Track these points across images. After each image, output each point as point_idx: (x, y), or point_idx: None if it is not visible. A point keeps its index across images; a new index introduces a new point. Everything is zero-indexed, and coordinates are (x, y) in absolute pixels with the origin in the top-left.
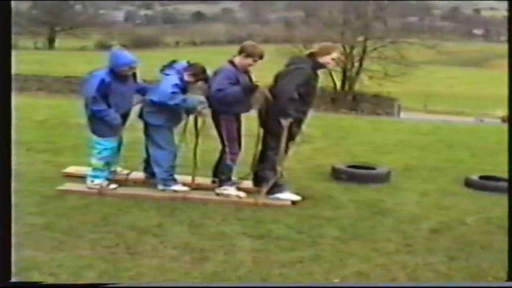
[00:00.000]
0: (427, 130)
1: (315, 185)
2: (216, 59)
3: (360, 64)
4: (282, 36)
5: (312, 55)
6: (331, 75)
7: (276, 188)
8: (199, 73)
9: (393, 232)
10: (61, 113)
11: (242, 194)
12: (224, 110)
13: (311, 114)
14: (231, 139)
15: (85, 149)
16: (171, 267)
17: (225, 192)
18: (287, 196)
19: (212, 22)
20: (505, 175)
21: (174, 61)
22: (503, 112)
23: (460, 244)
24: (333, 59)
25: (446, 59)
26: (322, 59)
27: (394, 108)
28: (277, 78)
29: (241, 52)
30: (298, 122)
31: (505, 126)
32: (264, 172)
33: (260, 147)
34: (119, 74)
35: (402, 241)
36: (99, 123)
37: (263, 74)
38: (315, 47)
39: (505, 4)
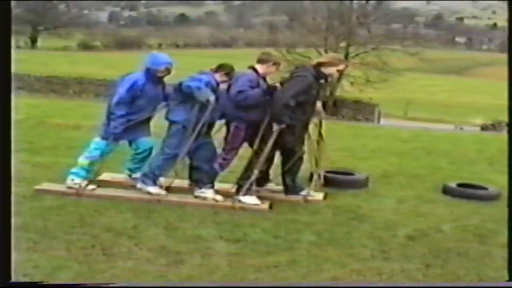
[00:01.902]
0: (407, 137)
1: None
2: (199, 62)
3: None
4: (266, 40)
5: (318, 65)
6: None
7: (248, 191)
8: (230, 71)
9: (369, 238)
10: (41, 113)
11: (219, 197)
12: (239, 116)
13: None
14: (231, 148)
15: (63, 150)
16: (146, 270)
17: (203, 195)
18: (247, 199)
19: (195, 25)
20: (483, 183)
21: (200, 71)
22: (483, 120)
23: (436, 251)
24: (338, 71)
25: (428, 66)
26: (327, 70)
27: (375, 114)
28: (282, 85)
29: (264, 61)
30: (292, 131)
31: (484, 134)
32: (244, 175)
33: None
34: (154, 75)
35: (378, 247)
36: (106, 124)
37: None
38: (323, 57)
39: (488, 13)
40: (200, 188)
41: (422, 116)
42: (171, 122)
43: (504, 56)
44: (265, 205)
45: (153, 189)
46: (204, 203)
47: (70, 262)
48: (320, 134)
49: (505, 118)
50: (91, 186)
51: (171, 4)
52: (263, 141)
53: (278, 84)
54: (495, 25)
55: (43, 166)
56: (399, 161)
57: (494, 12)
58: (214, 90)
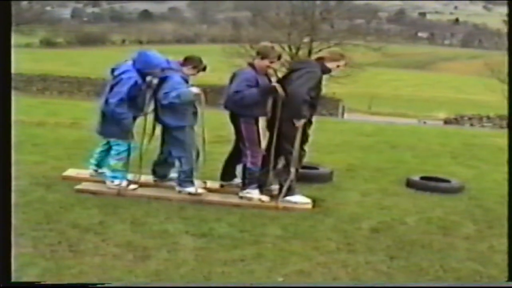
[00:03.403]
0: (371, 131)
1: None
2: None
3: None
4: (229, 36)
5: (320, 60)
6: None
7: (289, 192)
8: (198, 64)
9: (334, 231)
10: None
11: (265, 197)
12: (243, 113)
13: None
14: (251, 142)
15: (28, 147)
16: (114, 265)
17: (248, 195)
18: (297, 199)
19: (159, 21)
20: (446, 176)
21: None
22: (446, 114)
23: (401, 243)
24: (338, 66)
25: (391, 61)
26: (329, 65)
27: (339, 109)
28: (284, 80)
29: (257, 54)
30: (310, 124)
31: (447, 128)
32: (281, 176)
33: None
34: (147, 75)
35: (343, 240)
36: (115, 125)
37: (209, 74)
38: (324, 52)
39: (450, 8)
40: (245, 188)
41: (386, 111)
42: (177, 128)
43: (466, 51)
44: (309, 205)
45: (193, 190)
46: (247, 203)
47: (37, 258)
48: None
49: (467, 112)
50: (132, 186)
51: (134, 0)
52: (283, 137)
53: (276, 84)
54: (457, 20)
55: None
56: (363, 155)
57: (456, 7)
58: (187, 81)
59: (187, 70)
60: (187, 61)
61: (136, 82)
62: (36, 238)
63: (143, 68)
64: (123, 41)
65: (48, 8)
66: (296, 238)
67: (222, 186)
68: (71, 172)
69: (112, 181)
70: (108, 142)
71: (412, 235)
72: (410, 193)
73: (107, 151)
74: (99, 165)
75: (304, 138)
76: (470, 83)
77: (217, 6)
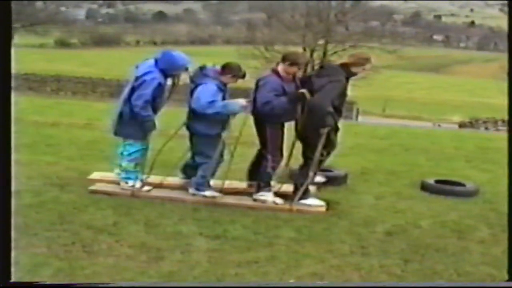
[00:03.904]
0: (385, 134)
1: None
2: None
3: (318, 68)
4: (244, 38)
5: (345, 65)
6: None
7: (304, 195)
8: (237, 72)
9: (348, 234)
10: (19, 110)
11: (279, 200)
12: (272, 120)
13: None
14: (274, 147)
15: (42, 147)
16: (127, 266)
17: (262, 198)
18: (312, 202)
19: (173, 22)
20: (460, 179)
21: (202, 68)
22: (460, 117)
23: (415, 246)
24: (364, 69)
25: (406, 64)
26: (355, 69)
27: (353, 111)
28: (306, 84)
29: (284, 60)
30: (335, 130)
31: (462, 132)
32: (298, 179)
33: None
34: (170, 75)
35: (357, 243)
36: (134, 126)
37: None
38: (349, 57)
39: (466, 11)
40: (259, 191)
41: (400, 114)
42: (208, 136)
43: (481, 54)
44: (323, 208)
45: (208, 193)
46: (261, 206)
47: (51, 259)
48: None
49: (482, 115)
50: (146, 187)
51: (149, 1)
52: (306, 144)
53: (305, 90)
54: (472, 23)
55: (22, 164)
56: (377, 158)
57: (471, 10)
58: (224, 93)
59: (225, 78)
60: (226, 69)
61: (159, 84)
62: (50, 239)
63: (167, 68)
64: (138, 42)
65: (63, 8)
66: (310, 241)
67: (250, 186)
68: (96, 175)
69: (126, 182)
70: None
71: (426, 238)
72: (424, 197)
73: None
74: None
75: (328, 144)
76: (485, 86)
77: (231, 8)
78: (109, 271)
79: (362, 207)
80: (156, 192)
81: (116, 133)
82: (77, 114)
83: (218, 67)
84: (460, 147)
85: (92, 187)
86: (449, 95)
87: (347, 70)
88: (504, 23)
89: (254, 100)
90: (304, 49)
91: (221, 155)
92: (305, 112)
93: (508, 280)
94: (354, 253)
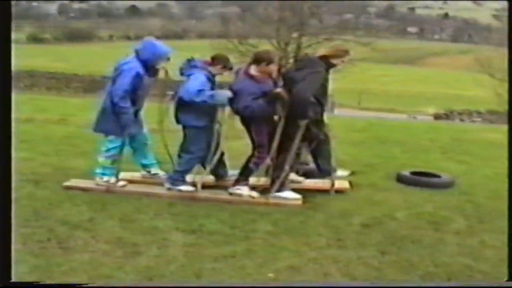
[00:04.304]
0: (360, 127)
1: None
2: None
3: (295, 61)
4: (218, 32)
5: (324, 57)
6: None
7: (282, 188)
8: (226, 63)
9: (325, 227)
10: None
11: (254, 194)
12: (254, 117)
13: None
14: (261, 144)
15: (16, 143)
16: (103, 262)
17: (238, 191)
18: (287, 194)
19: (147, 17)
20: (436, 171)
21: (190, 60)
22: (436, 109)
23: (391, 238)
24: (343, 61)
25: (380, 56)
26: (334, 61)
27: (328, 104)
28: (289, 79)
29: (260, 61)
30: (316, 123)
31: (437, 123)
32: (275, 172)
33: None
34: (152, 66)
35: (334, 236)
36: (113, 121)
37: None
38: (328, 49)
39: (439, 3)
40: (235, 185)
41: (376, 106)
42: (194, 128)
43: (455, 46)
44: (299, 201)
45: (184, 187)
46: (237, 200)
47: (27, 256)
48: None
49: (457, 107)
50: (121, 183)
51: None
52: (286, 136)
53: (280, 89)
54: (446, 15)
55: None
56: (353, 150)
57: (445, 2)
58: (213, 83)
59: (215, 69)
60: (215, 60)
61: (138, 73)
62: (25, 235)
63: (149, 58)
64: (111, 36)
65: (35, 3)
66: (287, 234)
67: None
68: (125, 175)
69: (101, 178)
70: (125, 147)
71: (402, 230)
72: (400, 188)
73: (139, 152)
74: (147, 165)
75: (307, 137)
76: (460, 78)
77: (205, 2)
78: (85, 267)
79: (338, 200)
80: (131, 187)
81: (95, 129)
82: (51, 109)
83: (206, 59)
84: (436, 139)
85: (67, 183)
86: (424, 87)
87: (326, 62)
88: (477, 15)
89: (233, 103)
90: (278, 43)
91: (214, 149)
92: (287, 105)
93: (508, 280)
94: (331, 246)
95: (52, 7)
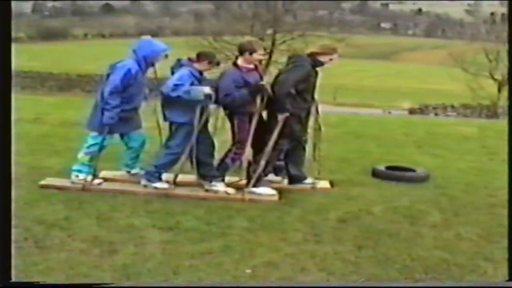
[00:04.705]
0: (336, 122)
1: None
2: (126, 52)
3: (270, 57)
4: (192, 29)
5: (312, 55)
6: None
7: (258, 183)
8: (212, 58)
9: (301, 222)
10: None
11: (230, 190)
12: (238, 111)
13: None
14: (240, 141)
15: None
16: (80, 261)
17: (214, 188)
18: (263, 190)
19: (121, 14)
20: (411, 165)
21: (179, 59)
22: (410, 104)
23: (368, 233)
24: (331, 59)
25: (354, 52)
26: (322, 59)
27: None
28: (278, 76)
29: (243, 51)
30: (298, 119)
31: (412, 118)
32: (251, 168)
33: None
34: (149, 62)
35: (310, 231)
36: (98, 117)
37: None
38: (316, 47)
39: None
40: (211, 181)
41: (351, 101)
42: (177, 124)
43: (429, 41)
44: (275, 197)
45: (159, 185)
46: (213, 196)
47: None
48: (318, 124)
49: (431, 101)
50: (97, 181)
51: None
52: (268, 132)
53: (264, 82)
54: (420, 10)
55: None
56: (329, 145)
57: None
58: (199, 80)
59: (201, 65)
60: (201, 56)
61: (129, 70)
62: None
63: (148, 54)
64: (85, 35)
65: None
66: (263, 230)
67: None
68: (106, 174)
69: (77, 176)
70: (129, 141)
71: (379, 224)
72: (376, 183)
73: (129, 149)
74: (129, 165)
75: (287, 133)
76: (434, 72)
77: None
78: (62, 267)
79: (314, 195)
80: (107, 185)
81: (86, 127)
82: (26, 108)
83: (192, 57)
84: (410, 133)
85: (43, 182)
86: (399, 82)
87: (314, 59)
88: (450, 10)
89: (217, 92)
90: None
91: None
92: (268, 100)
93: (508, 280)
94: (308, 241)
95: (26, 6)
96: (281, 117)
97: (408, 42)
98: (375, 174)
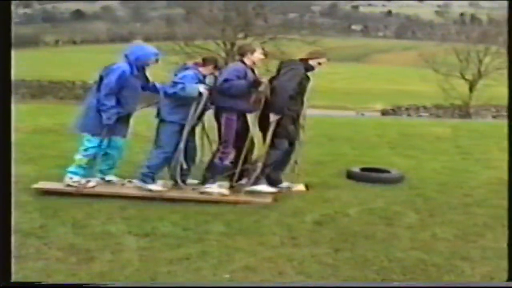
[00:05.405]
0: (309, 125)
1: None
2: (97, 58)
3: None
4: (163, 34)
5: (303, 60)
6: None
7: (257, 181)
8: (217, 63)
9: (278, 226)
10: None
11: (225, 191)
12: (228, 106)
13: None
14: (227, 139)
15: None
16: (57, 269)
17: (208, 190)
18: (262, 188)
19: (92, 21)
20: (385, 166)
21: (184, 64)
22: (383, 105)
23: (344, 235)
24: (319, 63)
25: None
26: (312, 62)
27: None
28: (272, 81)
29: (244, 53)
30: (292, 120)
31: (385, 119)
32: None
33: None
34: (141, 66)
35: (287, 234)
36: (94, 119)
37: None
38: (305, 52)
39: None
40: (204, 184)
41: (323, 104)
42: (168, 122)
43: (400, 42)
44: (269, 199)
45: (154, 187)
46: (207, 198)
47: None
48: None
49: (404, 102)
50: (91, 184)
51: (66, 0)
52: (263, 131)
53: (265, 79)
54: (389, 12)
55: None
56: (303, 148)
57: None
58: (202, 82)
59: (206, 69)
60: (207, 61)
61: (124, 71)
62: None
63: (139, 56)
64: (57, 41)
65: None
66: (241, 234)
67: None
68: (44, 184)
69: (71, 178)
70: (105, 148)
71: (355, 226)
72: (351, 185)
73: (105, 155)
74: (103, 172)
75: (284, 134)
76: (405, 74)
77: (149, 4)
78: (39, 275)
79: (290, 198)
80: (102, 188)
81: (74, 128)
82: None
83: (198, 62)
84: (384, 134)
85: (36, 185)
86: (371, 84)
87: (306, 63)
88: (420, 11)
89: (216, 80)
90: (224, 43)
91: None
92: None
93: (508, 280)
94: (285, 244)
95: None
96: (273, 118)
97: (379, 44)
98: (350, 176)
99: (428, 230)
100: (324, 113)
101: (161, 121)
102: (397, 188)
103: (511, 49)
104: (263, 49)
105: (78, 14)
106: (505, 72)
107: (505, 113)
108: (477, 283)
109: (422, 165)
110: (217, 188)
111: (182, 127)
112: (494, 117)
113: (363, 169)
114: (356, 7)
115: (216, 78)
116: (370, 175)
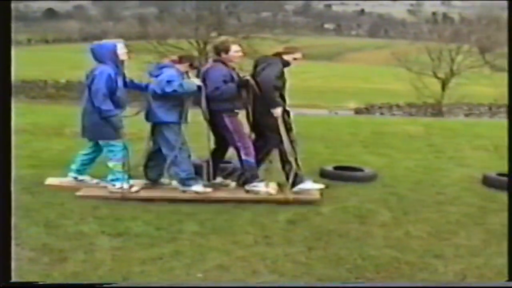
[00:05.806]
0: None
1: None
2: (69, 57)
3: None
4: (136, 33)
5: (277, 55)
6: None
7: (297, 179)
8: (193, 61)
9: (252, 225)
10: None
11: (272, 190)
12: (226, 107)
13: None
14: (240, 135)
15: None
16: (30, 269)
17: (256, 189)
18: (310, 185)
19: (64, 19)
20: (358, 165)
21: (158, 63)
22: (356, 104)
23: (318, 234)
24: (295, 58)
25: None
26: (287, 57)
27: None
28: (252, 77)
29: (219, 51)
30: (286, 112)
31: (358, 118)
32: (285, 168)
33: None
34: (119, 62)
35: (261, 233)
36: (107, 126)
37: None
38: (279, 47)
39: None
40: (251, 182)
41: (296, 103)
42: (169, 124)
43: (372, 41)
44: (317, 196)
45: (199, 188)
46: (254, 198)
47: None
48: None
49: (377, 101)
50: (134, 188)
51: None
52: (269, 130)
53: (249, 77)
54: (362, 11)
55: None
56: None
57: None
58: (183, 78)
59: (183, 67)
60: (183, 58)
61: (109, 75)
62: None
63: (106, 57)
64: (29, 40)
65: None
66: (214, 233)
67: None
68: (52, 181)
69: (114, 185)
70: (92, 147)
71: (328, 225)
72: (324, 183)
73: (91, 156)
74: (80, 171)
75: (289, 127)
76: (378, 72)
77: (122, 3)
78: (12, 275)
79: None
80: (146, 193)
81: (84, 136)
82: None
83: (174, 58)
84: (357, 133)
85: (79, 193)
86: (344, 83)
87: (281, 58)
88: (392, 10)
89: (205, 88)
90: (197, 42)
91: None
92: (255, 98)
93: (508, 280)
94: (259, 243)
95: None
96: (277, 112)
97: (352, 42)
98: (323, 174)
99: (401, 228)
100: (298, 112)
101: (159, 124)
102: (370, 186)
103: (511, 49)
104: (239, 45)
105: (51, 13)
106: (476, 70)
107: (477, 111)
108: (477, 283)
109: (395, 164)
110: (264, 187)
111: (178, 126)
112: (466, 115)
113: (336, 168)
114: (329, 6)
115: (204, 86)
116: (343, 174)
